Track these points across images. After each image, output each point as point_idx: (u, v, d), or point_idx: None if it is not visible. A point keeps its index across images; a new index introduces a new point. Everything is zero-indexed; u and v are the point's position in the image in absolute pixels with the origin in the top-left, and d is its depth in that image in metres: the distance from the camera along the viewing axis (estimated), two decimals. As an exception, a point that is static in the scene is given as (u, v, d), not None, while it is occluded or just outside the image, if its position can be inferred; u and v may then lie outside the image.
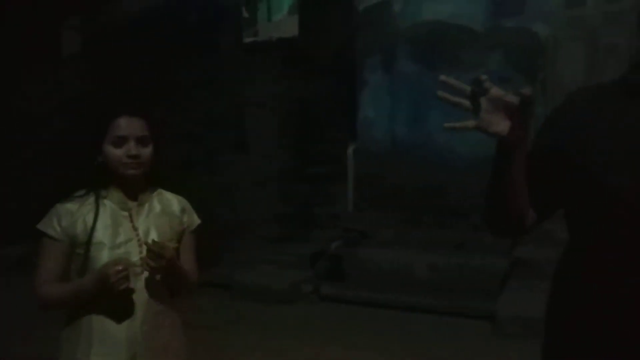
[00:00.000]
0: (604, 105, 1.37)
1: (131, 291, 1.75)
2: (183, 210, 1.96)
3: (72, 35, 8.24)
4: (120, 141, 1.77)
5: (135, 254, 1.78)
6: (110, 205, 1.83)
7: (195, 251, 1.99)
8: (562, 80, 5.76)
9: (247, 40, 7.63)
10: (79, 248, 1.78)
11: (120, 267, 1.67)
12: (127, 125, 1.77)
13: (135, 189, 1.86)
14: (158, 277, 1.78)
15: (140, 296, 1.79)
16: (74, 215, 1.80)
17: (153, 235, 1.82)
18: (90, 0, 7.80)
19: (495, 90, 1.29)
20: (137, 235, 1.82)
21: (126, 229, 1.82)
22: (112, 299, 1.72)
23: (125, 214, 1.83)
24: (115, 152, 1.77)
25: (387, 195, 6.07)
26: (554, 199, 1.43)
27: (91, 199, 1.82)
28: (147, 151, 1.80)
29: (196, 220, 2.00)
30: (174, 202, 1.96)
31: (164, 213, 1.90)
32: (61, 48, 8.19)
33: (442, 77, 1.33)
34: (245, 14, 8.00)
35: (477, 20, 5.75)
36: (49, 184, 7.70)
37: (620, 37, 5.45)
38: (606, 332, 1.34)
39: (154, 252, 1.71)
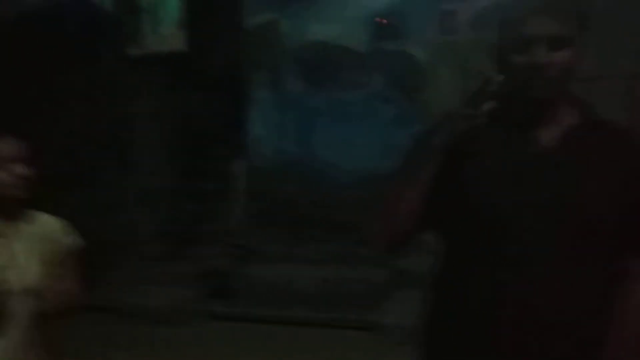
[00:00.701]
0: (485, 134, 1.44)
1: (7, 315, 1.69)
2: (62, 232, 1.92)
3: None
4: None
5: (13, 279, 1.73)
6: None
7: (73, 275, 1.94)
8: (440, 102, 6.14)
9: (133, 52, 7.39)
10: None
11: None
12: (4, 147, 1.74)
13: (10, 211, 1.80)
14: (35, 304, 1.74)
15: (16, 320, 1.73)
16: None
17: (31, 260, 1.77)
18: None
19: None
20: (9, 260, 1.76)
21: (2, 253, 1.75)
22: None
23: (1, 240, 1.78)
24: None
25: (275, 211, 6.13)
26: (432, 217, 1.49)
27: None
28: (26, 172, 1.76)
29: (76, 242, 1.95)
30: (52, 224, 1.92)
31: (42, 236, 1.85)
32: None
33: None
34: (130, 25, 7.76)
35: (361, 42, 6.01)
36: None
37: (488, 64, 5.91)
38: (482, 339, 1.43)
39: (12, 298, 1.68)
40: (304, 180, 6.04)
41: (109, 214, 6.43)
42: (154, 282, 5.81)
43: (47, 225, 1.89)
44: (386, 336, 4.80)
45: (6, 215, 1.80)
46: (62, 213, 1.98)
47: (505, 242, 1.41)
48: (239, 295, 5.68)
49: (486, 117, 1.36)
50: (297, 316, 5.27)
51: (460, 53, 6.01)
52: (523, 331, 1.40)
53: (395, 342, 4.62)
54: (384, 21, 5.99)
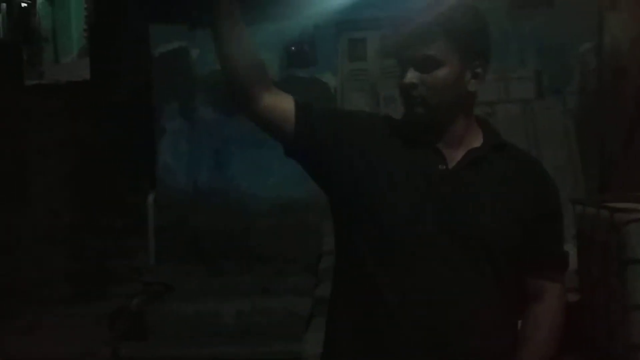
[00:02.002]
0: (383, 137, 1.52)
1: None
2: None
3: None
4: None
5: None
6: None
7: None
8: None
9: (30, 82, 7.00)
10: None
11: None
12: None
13: None
14: None
15: None
16: None
17: None
18: None
19: None
20: None
21: None
22: None
23: None
24: None
25: (189, 244, 5.94)
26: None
27: None
28: None
29: None
30: None
31: None
32: None
33: None
34: (29, 54, 7.37)
35: (273, 69, 5.99)
36: None
37: (396, 90, 6.09)
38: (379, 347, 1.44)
39: None
40: (218, 211, 5.90)
41: (7, 255, 6.02)
42: (60, 326, 5.43)
43: None
44: (310, 367, 4.70)
45: None
46: None
47: (400, 257, 1.43)
48: (155, 335, 5.39)
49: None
50: (218, 352, 5.07)
51: (370, 79, 6.14)
52: (420, 354, 1.41)
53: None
54: (293, 49, 6.08)
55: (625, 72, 4.20)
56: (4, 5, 6.50)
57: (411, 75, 1.43)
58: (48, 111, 6.47)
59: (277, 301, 5.44)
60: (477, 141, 1.50)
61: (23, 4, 6.70)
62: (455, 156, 1.47)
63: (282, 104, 1.49)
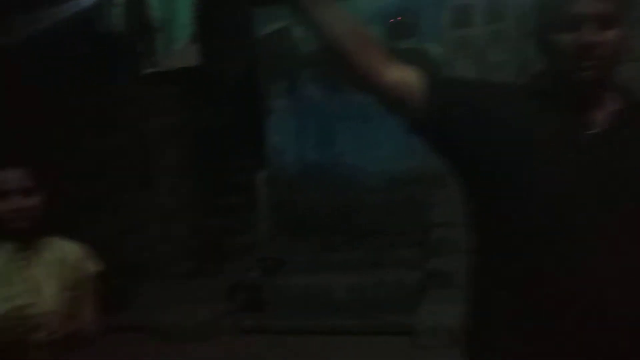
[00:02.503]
0: (520, 105, 1.40)
1: (31, 343, 1.68)
2: (80, 258, 1.91)
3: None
4: (1, 195, 1.73)
5: (32, 305, 1.72)
6: (3, 255, 1.77)
7: (96, 299, 1.94)
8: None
9: (146, 71, 7.42)
10: None
11: (18, 320, 1.65)
12: (6, 178, 1.74)
13: (28, 238, 1.80)
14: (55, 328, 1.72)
15: (39, 348, 1.71)
16: None
17: (49, 285, 1.78)
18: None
19: None
20: (32, 286, 1.76)
21: (19, 280, 1.76)
22: (11, 352, 1.68)
23: (20, 264, 1.77)
24: None
25: (300, 219, 6.08)
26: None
27: None
28: (31, 202, 1.75)
29: (94, 267, 1.94)
30: (71, 249, 1.90)
31: (60, 261, 1.85)
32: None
33: None
34: (143, 45, 7.80)
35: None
36: None
37: (504, 55, 5.82)
38: (539, 339, 1.34)
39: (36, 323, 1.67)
40: (328, 187, 5.98)
41: (134, 234, 6.43)
42: (184, 299, 5.77)
43: (66, 250, 1.89)
44: (422, 339, 4.69)
45: (23, 242, 1.80)
46: (88, 237, 1.97)
47: (560, 230, 1.32)
48: (270, 308, 5.60)
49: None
50: (330, 325, 5.18)
51: (476, 46, 5.92)
52: (586, 328, 1.31)
53: (432, 345, 4.52)
54: (399, 19, 5.94)
55: None
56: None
57: (593, 33, 1.27)
58: (163, 97, 6.84)
59: (388, 274, 5.46)
60: (615, 101, 1.38)
61: (137, -3, 7.08)
62: (599, 118, 1.35)
63: (407, 77, 1.39)
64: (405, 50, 5.92)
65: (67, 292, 1.80)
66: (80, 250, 1.92)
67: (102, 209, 6.39)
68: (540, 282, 1.34)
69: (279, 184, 6.19)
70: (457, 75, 1.41)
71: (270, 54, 6.33)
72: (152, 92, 6.81)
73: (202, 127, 6.56)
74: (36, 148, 2.02)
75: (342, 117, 6.04)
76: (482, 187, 1.42)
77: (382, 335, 4.93)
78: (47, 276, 1.79)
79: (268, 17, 6.37)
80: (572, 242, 1.32)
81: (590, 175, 1.33)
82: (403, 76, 1.40)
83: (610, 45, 1.29)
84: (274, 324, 5.34)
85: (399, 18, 5.94)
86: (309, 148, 6.18)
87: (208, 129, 6.52)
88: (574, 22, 1.29)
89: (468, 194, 1.46)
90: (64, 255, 1.86)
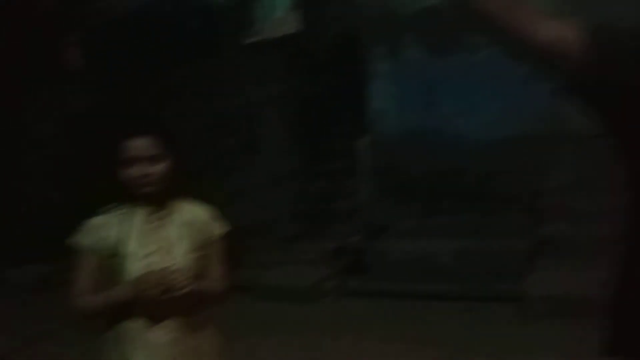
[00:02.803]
0: None
1: (164, 299, 1.78)
2: (208, 219, 2.01)
3: (73, 51, 8.23)
4: (131, 162, 1.84)
5: (163, 264, 1.83)
6: (137, 218, 1.90)
7: (222, 259, 2.03)
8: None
9: (249, 40, 7.58)
10: (111, 259, 1.85)
11: (154, 278, 1.75)
12: (135, 146, 1.84)
13: (159, 202, 1.92)
14: (187, 287, 1.80)
15: (172, 304, 1.82)
16: (104, 228, 1.88)
17: (179, 246, 1.89)
18: (87, 14, 7.78)
19: None
20: (164, 246, 1.88)
21: (153, 240, 1.88)
22: (146, 307, 1.81)
23: (153, 225, 1.90)
24: (128, 173, 1.84)
25: (403, 184, 6.04)
26: None
27: (120, 213, 1.90)
28: (158, 168, 1.85)
29: (221, 228, 2.03)
30: (199, 211, 2.01)
31: (190, 223, 1.95)
32: (63, 65, 8.18)
33: None
34: (244, 14, 7.95)
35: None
36: (59, 203, 7.73)
37: None
38: None
39: (169, 280, 1.77)
40: (432, 151, 5.88)
41: (241, 198, 6.66)
42: (289, 261, 5.94)
43: (194, 213, 1.98)
44: (531, 307, 4.56)
45: (155, 205, 1.91)
46: (200, 200, 2.06)
47: None
48: (373, 271, 5.66)
49: None
50: (434, 289, 5.16)
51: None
52: None
53: (541, 314, 4.39)
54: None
55: None
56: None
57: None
58: (266, 65, 6.96)
59: (495, 240, 5.33)
60: None
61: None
62: None
63: (563, 33, 1.26)
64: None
65: (196, 252, 1.90)
66: (208, 212, 2.01)
67: (210, 173, 6.64)
68: None
69: (382, 149, 6.16)
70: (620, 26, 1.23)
71: (371, 18, 6.23)
72: (256, 59, 6.95)
73: (305, 93, 6.63)
74: (157, 117, 2.11)
75: (447, 79, 5.88)
76: None
77: (487, 302, 4.85)
78: (178, 237, 1.90)
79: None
80: None
81: None
82: (559, 32, 1.28)
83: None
84: (377, 287, 5.40)
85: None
86: (412, 112, 6.07)
87: (311, 95, 6.59)
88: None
89: (630, 156, 1.34)
90: (193, 217, 1.96)
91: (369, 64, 6.24)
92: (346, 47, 6.60)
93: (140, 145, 1.84)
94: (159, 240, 1.88)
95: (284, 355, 4.15)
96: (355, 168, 6.37)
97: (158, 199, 1.90)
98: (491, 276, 5.09)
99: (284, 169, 6.61)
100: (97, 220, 1.90)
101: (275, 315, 5.05)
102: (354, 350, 4.17)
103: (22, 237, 7.81)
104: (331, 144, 6.47)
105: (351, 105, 6.36)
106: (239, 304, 5.39)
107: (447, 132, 5.83)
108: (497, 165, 5.63)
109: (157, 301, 1.77)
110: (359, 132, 6.34)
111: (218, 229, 2.01)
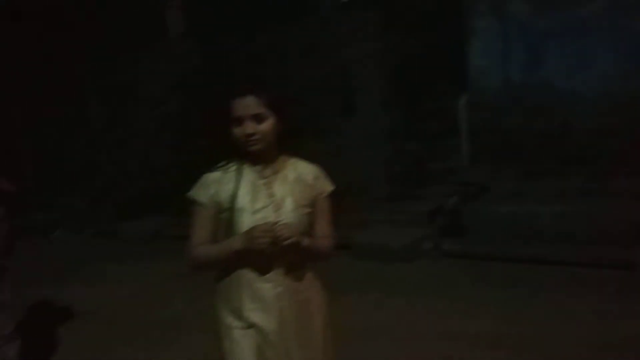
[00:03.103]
0: None
1: (274, 252, 1.86)
2: (316, 177, 2.05)
3: (175, 14, 8.51)
4: (238, 121, 1.90)
5: (273, 219, 1.90)
6: (248, 174, 1.97)
7: (329, 216, 2.07)
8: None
9: (345, -2, 7.50)
10: (224, 213, 1.94)
11: (265, 230, 1.82)
12: (240, 106, 1.89)
13: (268, 159, 1.98)
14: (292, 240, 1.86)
15: (281, 257, 1.90)
16: (219, 183, 1.97)
17: (288, 202, 1.95)
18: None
19: None
20: (273, 202, 1.94)
21: (263, 196, 1.95)
22: (257, 259, 1.88)
23: (262, 182, 1.96)
24: (236, 132, 1.91)
25: (503, 145, 5.85)
26: None
27: (232, 169, 1.98)
28: (263, 127, 1.90)
29: (329, 187, 2.07)
30: (307, 169, 2.05)
31: (298, 180, 2.00)
32: (166, 28, 8.49)
33: None
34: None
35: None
36: (170, 161, 8.17)
37: None
38: None
39: (279, 233, 1.83)
40: (534, 111, 5.63)
41: (337, 158, 6.72)
42: (384, 221, 5.97)
43: (302, 171, 2.03)
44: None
45: (264, 162, 1.98)
46: (305, 159, 2.10)
47: None
48: (471, 233, 5.57)
49: None
50: (534, 253, 5.01)
51: None
52: None
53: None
54: None
55: None
56: None
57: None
58: (362, 24, 6.87)
59: (600, 204, 5.08)
60: None
61: None
62: None
63: None
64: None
65: (304, 208, 1.97)
66: (316, 171, 2.06)
67: (306, 133, 6.72)
68: None
69: (482, 108, 5.96)
70: None
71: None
72: (352, 18, 6.88)
73: (402, 52, 6.51)
74: (261, 76, 2.16)
75: (552, 35, 5.56)
76: None
77: (591, 268, 4.66)
78: (287, 193, 1.96)
79: None
80: None
81: None
82: None
83: None
84: (474, 249, 5.33)
85: None
86: (515, 69, 5.81)
87: (408, 54, 6.46)
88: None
89: None
90: (301, 175, 2.02)
91: (470, 19, 6.00)
92: (447, 2, 6.38)
93: (246, 104, 1.89)
94: (269, 196, 1.94)
95: (380, 314, 4.23)
96: (454, 128, 6.22)
97: (266, 156, 1.96)
98: (595, 241, 4.88)
99: (380, 128, 6.58)
100: (212, 176, 1.98)
101: (371, 274, 5.13)
102: (448, 311, 4.18)
103: (137, 193, 8.37)
104: (430, 103, 6.33)
105: (451, 63, 6.17)
106: (335, 262, 5.52)
107: (553, 90, 5.55)
108: (605, 126, 5.31)
109: (266, 254, 1.84)
110: (458, 91, 6.17)
111: (325, 186, 2.05)
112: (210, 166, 2.02)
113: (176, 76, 7.87)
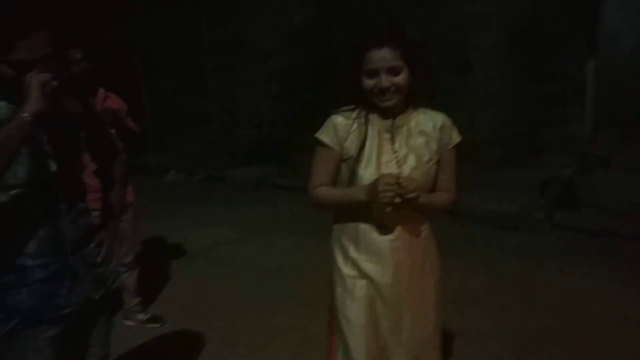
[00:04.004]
0: None
1: (395, 205, 1.81)
2: (441, 128, 1.97)
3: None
4: (372, 73, 1.84)
5: (397, 171, 1.87)
6: (375, 126, 1.94)
7: (453, 168, 2.01)
8: None
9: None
10: (347, 160, 1.93)
11: (389, 184, 1.77)
12: (376, 58, 1.83)
13: (396, 112, 1.93)
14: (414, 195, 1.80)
15: (401, 210, 1.85)
16: (346, 129, 1.93)
17: (411, 158, 1.91)
18: None
19: None
20: (397, 157, 1.91)
21: (388, 150, 1.91)
22: (378, 210, 1.86)
23: (387, 135, 1.93)
24: (368, 84, 1.86)
25: (631, 115, 5.41)
26: None
27: (361, 119, 1.94)
28: (398, 79, 1.83)
29: (455, 138, 1.99)
30: (433, 120, 1.97)
31: (422, 133, 1.94)
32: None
33: None
34: None
35: None
36: (278, 113, 8.31)
37: None
38: None
39: (402, 186, 1.77)
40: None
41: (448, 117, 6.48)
42: (494, 187, 5.75)
43: (428, 123, 1.96)
44: None
45: (391, 115, 1.92)
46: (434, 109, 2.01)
47: None
48: (587, 207, 5.25)
49: None
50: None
51: None
52: None
53: None
54: None
55: None
56: None
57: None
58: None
59: None
60: None
61: None
62: None
63: None
64: None
65: (430, 161, 1.93)
66: (442, 121, 1.98)
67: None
68: None
69: (612, 74, 5.52)
70: None
71: None
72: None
73: (525, 9, 6.10)
74: (397, 28, 2.04)
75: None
76: None
77: None
78: (411, 149, 1.92)
79: None
80: None
81: None
82: None
83: None
84: (588, 224, 5.02)
85: None
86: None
87: (531, 12, 6.05)
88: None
89: None
90: (426, 127, 1.95)
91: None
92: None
93: (381, 56, 1.82)
94: (393, 151, 1.91)
95: (487, 280, 4.12)
96: (575, 94, 5.82)
97: (395, 108, 1.91)
98: None
99: (497, 90, 6.27)
100: (339, 120, 1.94)
101: (479, 240, 5.00)
102: (557, 282, 4.00)
103: (246, 142, 8.62)
104: (551, 66, 5.92)
105: (578, 24, 5.72)
106: (437, 224, 5.41)
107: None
108: None
109: (387, 206, 1.80)
110: (585, 54, 5.73)
111: (451, 137, 1.98)
112: (338, 110, 1.97)
113: (289, 27, 7.90)
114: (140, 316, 3.66)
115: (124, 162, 2.13)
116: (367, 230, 1.95)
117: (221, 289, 4.18)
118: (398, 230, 1.94)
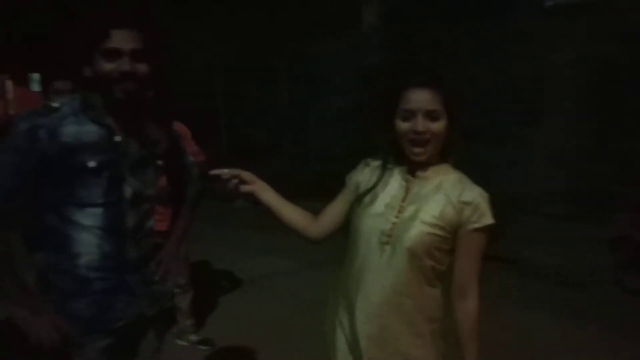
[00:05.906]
0: None
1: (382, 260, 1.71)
2: (470, 203, 1.67)
3: (371, 8, 8.69)
4: (408, 115, 1.67)
5: (388, 224, 1.71)
6: (396, 174, 1.79)
7: (477, 259, 1.70)
8: None
9: (549, 3, 7.06)
10: (355, 203, 1.81)
11: (375, 235, 1.72)
12: (415, 98, 1.66)
13: (424, 163, 1.72)
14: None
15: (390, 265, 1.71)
16: (364, 173, 1.84)
17: (421, 213, 1.69)
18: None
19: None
20: (408, 209, 1.71)
21: (397, 199, 1.74)
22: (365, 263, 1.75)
23: (404, 185, 1.75)
24: (402, 127, 1.68)
25: None
26: None
27: (382, 165, 1.82)
28: (436, 126, 1.65)
29: (485, 220, 1.66)
30: (464, 189, 1.70)
31: (444, 194, 1.70)
32: (361, 21, 8.71)
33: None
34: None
35: None
36: (345, 148, 8.42)
37: None
38: None
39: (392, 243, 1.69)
40: None
41: (514, 169, 6.39)
42: (558, 242, 5.57)
43: (456, 188, 1.71)
44: None
45: (422, 166, 1.74)
46: (471, 166, 1.83)
47: None
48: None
49: None
50: None
51: None
52: None
53: None
54: None
55: None
56: None
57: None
58: (564, 31, 6.41)
59: None
60: None
61: None
62: None
63: None
64: None
65: (432, 227, 1.68)
66: (475, 196, 1.69)
67: (485, 140, 6.46)
68: None
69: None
70: None
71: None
72: (554, 24, 6.46)
73: (603, 63, 5.95)
74: (442, 73, 1.84)
75: None
76: None
77: None
78: (422, 203, 1.71)
79: None
80: None
81: None
82: None
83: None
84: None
85: None
86: None
87: (609, 66, 5.89)
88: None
89: None
90: (452, 191, 1.71)
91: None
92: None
93: (420, 97, 1.65)
94: (401, 200, 1.73)
95: (542, 334, 3.98)
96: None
97: (426, 161, 1.71)
98: None
99: (567, 144, 6.11)
100: (369, 162, 1.85)
101: (538, 294, 4.83)
102: (617, 350, 3.81)
103: (311, 176, 8.74)
104: (628, 121, 5.70)
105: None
106: (496, 275, 5.25)
107: None
108: None
109: (377, 259, 1.71)
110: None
111: (479, 219, 1.66)
112: (370, 155, 1.88)
113: (363, 68, 8.06)
114: (193, 337, 3.77)
115: (196, 189, 2.19)
116: (356, 281, 1.83)
117: (274, 319, 4.23)
118: (386, 288, 1.74)
